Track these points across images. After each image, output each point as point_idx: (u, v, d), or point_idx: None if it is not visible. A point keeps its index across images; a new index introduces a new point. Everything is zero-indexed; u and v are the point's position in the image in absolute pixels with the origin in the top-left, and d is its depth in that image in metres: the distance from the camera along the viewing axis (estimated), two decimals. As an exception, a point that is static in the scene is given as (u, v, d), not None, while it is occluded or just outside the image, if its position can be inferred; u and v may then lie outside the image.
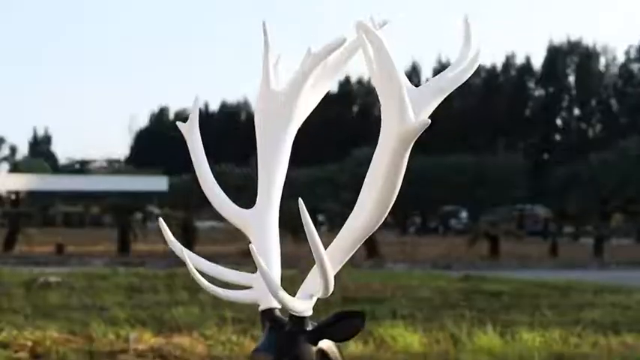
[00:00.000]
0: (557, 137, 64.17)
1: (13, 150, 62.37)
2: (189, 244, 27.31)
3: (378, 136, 2.02)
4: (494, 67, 65.24)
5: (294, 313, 1.99)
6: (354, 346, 8.09)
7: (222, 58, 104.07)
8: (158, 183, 45.70)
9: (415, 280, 16.28)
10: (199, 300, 11.74)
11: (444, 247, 32.29)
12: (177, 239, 2.19)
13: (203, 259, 2.18)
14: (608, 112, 62.99)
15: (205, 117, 62.74)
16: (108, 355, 7.93)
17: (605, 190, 42.84)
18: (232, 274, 2.16)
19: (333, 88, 68.41)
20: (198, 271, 2.04)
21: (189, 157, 2.28)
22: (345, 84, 67.60)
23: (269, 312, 2.07)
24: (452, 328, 9.49)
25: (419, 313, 11.09)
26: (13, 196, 39.33)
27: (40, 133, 79.82)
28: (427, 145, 55.92)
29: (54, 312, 11.03)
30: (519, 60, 65.87)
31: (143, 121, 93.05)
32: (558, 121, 64.38)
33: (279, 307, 2.05)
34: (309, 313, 2.02)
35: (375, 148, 2.04)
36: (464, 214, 49.85)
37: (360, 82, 67.95)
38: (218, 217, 2.51)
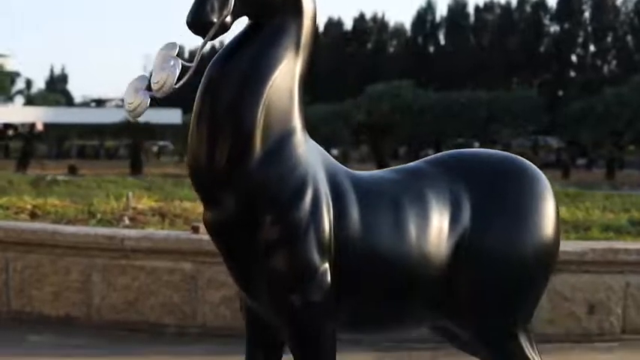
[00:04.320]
0: (572, 74, 63.71)
1: (29, 83, 62.48)
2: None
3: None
4: (508, 4, 64.70)
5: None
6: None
7: None
8: (172, 116, 45.69)
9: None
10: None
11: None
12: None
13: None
14: (623, 48, 62.43)
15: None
16: (107, 214, 8.03)
17: (619, 123, 42.68)
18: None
19: (348, 25, 67.94)
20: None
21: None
22: (360, 21, 67.19)
23: None
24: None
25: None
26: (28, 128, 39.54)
27: (57, 71, 79.89)
28: (443, 81, 55.75)
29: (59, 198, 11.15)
30: (535, -4, 65.22)
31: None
32: (573, 58, 63.89)
33: None
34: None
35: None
36: (476, 145, 49.81)
37: (374, 19, 67.51)
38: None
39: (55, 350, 5.84)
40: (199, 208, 8.35)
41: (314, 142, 2.13)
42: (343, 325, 2.11)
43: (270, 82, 2.06)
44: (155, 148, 45.71)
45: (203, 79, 2.17)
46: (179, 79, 2.08)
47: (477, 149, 2.45)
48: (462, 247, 2.19)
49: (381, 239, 2.11)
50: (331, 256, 2.05)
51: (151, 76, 2.15)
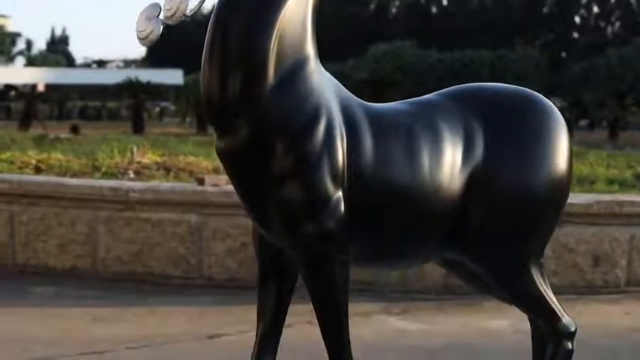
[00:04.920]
0: (575, 35, 63.42)
1: (29, 44, 62.27)
2: (204, 130, 27.52)
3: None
4: (513, -37, 64.26)
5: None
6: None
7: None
8: (174, 76, 45.57)
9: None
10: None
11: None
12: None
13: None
14: (627, 9, 62.08)
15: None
16: (112, 167, 8.03)
17: (623, 85, 42.55)
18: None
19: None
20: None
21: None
22: (362, -19, 66.76)
23: None
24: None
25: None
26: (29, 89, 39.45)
27: (58, 32, 79.57)
28: (445, 41, 55.55)
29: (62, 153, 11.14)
30: (539, -44, 64.76)
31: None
32: (576, 19, 63.57)
33: None
34: None
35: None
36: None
37: (376, -21, 67.08)
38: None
39: (60, 301, 5.87)
40: (204, 162, 8.37)
41: (327, 73, 2.12)
42: (355, 256, 2.11)
43: (283, 10, 2.04)
44: (157, 109, 45.63)
45: (215, 8, 2.15)
46: (191, 6, 2.07)
47: (491, 83, 2.43)
48: (474, 179, 2.18)
49: (395, 170, 2.11)
50: (344, 186, 2.05)
51: (163, 3, 2.13)
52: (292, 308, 5.13)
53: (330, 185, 2.02)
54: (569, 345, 2.25)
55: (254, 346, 2.17)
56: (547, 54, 55.46)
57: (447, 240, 2.19)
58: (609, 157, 14.22)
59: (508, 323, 5.31)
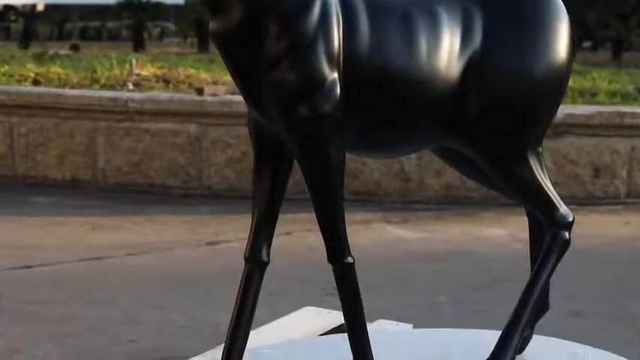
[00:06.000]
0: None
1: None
2: (206, 49, 27.30)
3: None
4: None
5: None
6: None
7: None
8: (174, -4, 45.15)
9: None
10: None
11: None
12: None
13: None
14: None
15: None
16: (111, 79, 7.98)
17: (627, 6, 42.17)
18: None
19: None
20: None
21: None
22: None
23: None
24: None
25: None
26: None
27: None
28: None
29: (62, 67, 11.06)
30: None
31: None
32: (583, -61, 62.82)
33: None
34: None
35: None
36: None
37: None
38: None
39: (61, 210, 5.88)
40: (203, 74, 8.31)
41: None
42: (350, 143, 2.08)
43: None
44: (157, 30, 45.31)
45: None
46: None
47: None
48: (473, 64, 2.14)
49: (392, 54, 2.07)
50: (340, 70, 2.01)
51: None
52: (292, 217, 5.16)
53: (325, 66, 1.98)
54: (567, 235, 2.23)
55: (247, 239, 2.15)
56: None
57: (444, 127, 2.15)
58: (612, 74, 14.17)
59: (507, 232, 5.33)
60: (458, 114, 2.13)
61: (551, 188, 2.26)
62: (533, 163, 2.21)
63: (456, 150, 2.26)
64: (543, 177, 2.23)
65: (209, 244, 5.05)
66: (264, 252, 2.13)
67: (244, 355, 2.15)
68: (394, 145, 2.20)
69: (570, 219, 2.25)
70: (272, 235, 2.17)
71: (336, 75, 1.99)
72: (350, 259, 2.05)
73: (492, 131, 2.15)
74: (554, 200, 2.24)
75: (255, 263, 2.13)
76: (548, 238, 2.24)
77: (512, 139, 2.18)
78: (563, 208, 2.24)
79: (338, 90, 1.99)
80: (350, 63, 2.01)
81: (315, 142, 1.99)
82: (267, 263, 2.14)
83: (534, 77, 2.19)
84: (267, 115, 2.03)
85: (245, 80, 2.05)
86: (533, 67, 2.19)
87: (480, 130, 2.15)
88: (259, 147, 2.12)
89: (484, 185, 2.51)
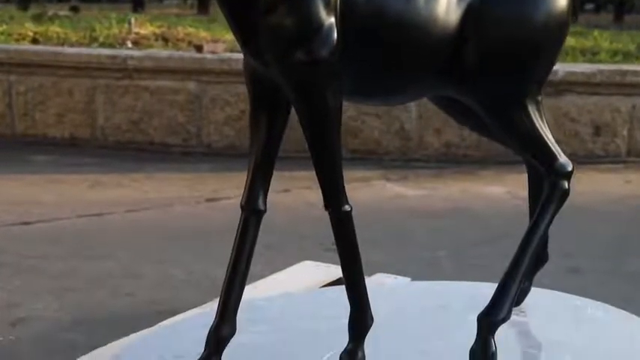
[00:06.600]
0: None
1: None
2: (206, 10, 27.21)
3: None
4: None
5: None
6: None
7: None
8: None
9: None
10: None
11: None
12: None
13: None
14: None
15: None
16: (109, 38, 7.94)
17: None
18: None
19: None
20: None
21: None
22: None
23: None
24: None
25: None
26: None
27: None
28: None
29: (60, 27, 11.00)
30: None
31: None
32: None
33: None
34: None
35: None
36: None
37: None
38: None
39: (60, 168, 5.87)
40: (203, 32, 8.27)
41: None
42: (347, 90, 2.06)
43: None
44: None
45: None
46: None
47: None
48: (472, 10, 2.11)
49: (389, 1, 2.05)
50: (337, 15, 1.98)
51: None
52: (291, 174, 5.17)
53: (322, 11, 1.96)
54: (566, 185, 2.22)
55: (244, 188, 2.14)
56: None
57: (442, 74, 2.13)
58: (614, 35, 14.10)
59: (506, 190, 5.32)
60: (456, 61, 2.11)
61: (551, 138, 2.24)
62: (533, 111, 2.19)
63: (457, 100, 2.24)
64: (543, 126, 2.21)
65: (208, 200, 5.04)
66: (260, 200, 2.12)
67: (241, 306, 2.14)
68: (391, 93, 2.18)
69: (570, 168, 2.23)
70: (269, 184, 2.16)
71: (333, 20, 1.97)
72: (347, 207, 2.03)
73: (491, 79, 2.13)
74: (554, 149, 2.22)
75: (252, 211, 2.12)
76: (548, 187, 2.22)
77: (511, 86, 2.16)
78: (562, 158, 2.22)
79: (335, 35, 1.97)
80: (347, 8, 1.99)
81: (312, 88, 1.97)
82: (263, 212, 2.13)
83: (534, 24, 2.17)
84: (264, 62, 2.01)
85: (242, 26, 2.02)
86: (532, 13, 2.17)
87: (479, 78, 2.13)
88: (256, 95, 2.09)
89: (484, 136, 2.49)
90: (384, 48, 2.07)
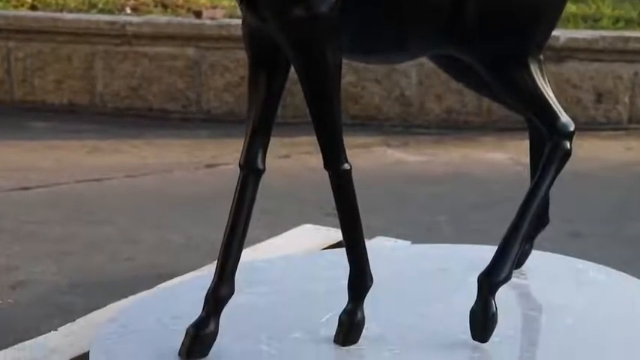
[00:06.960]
0: None
1: None
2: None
3: None
4: None
5: None
6: None
7: None
8: None
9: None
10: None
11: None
12: None
13: None
14: None
15: None
16: (108, 4, 7.87)
17: None
18: None
19: None
20: None
21: None
22: None
23: None
24: None
25: None
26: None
27: None
28: None
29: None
30: None
31: None
32: None
33: None
34: None
35: None
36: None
37: None
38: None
39: (59, 134, 5.84)
40: None
41: None
42: (347, 48, 2.04)
43: None
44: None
45: None
46: None
47: None
48: None
49: None
50: None
51: None
52: (290, 140, 5.15)
53: None
54: (567, 145, 2.19)
55: (242, 147, 2.11)
56: None
57: (442, 32, 2.10)
58: (615, 1, 14.01)
59: (507, 156, 5.30)
60: (457, 18, 2.08)
61: (553, 97, 2.21)
62: (534, 70, 2.17)
63: (457, 59, 2.21)
64: (544, 85, 2.19)
65: (207, 166, 5.02)
66: (259, 159, 2.10)
67: (240, 268, 2.13)
68: (391, 51, 2.15)
69: (571, 128, 2.21)
70: (267, 144, 2.14)
71: None
72: (347, 166, 2.02)
73: (492, 37, 2.11)
74: (556, 109, 2.20)
75: (251, 170, 2.10)
76: (549, 147, 2.20)
77: (512, 44, 2.13)
78: (564, 117, 2.20)
79: None
80: None
81: (311, 45, 1.94)
82: (262, 171, 2.11)
83: (534, -17, 2.14)
84: (263, 18, 1.98)
85: (241, -17, 2.00)
86: None
87: (480, 36, 2.10)
88: (254, 53, 2.07)
89: (487, 97, 2.47)
90: (383, 4, 2.04)
